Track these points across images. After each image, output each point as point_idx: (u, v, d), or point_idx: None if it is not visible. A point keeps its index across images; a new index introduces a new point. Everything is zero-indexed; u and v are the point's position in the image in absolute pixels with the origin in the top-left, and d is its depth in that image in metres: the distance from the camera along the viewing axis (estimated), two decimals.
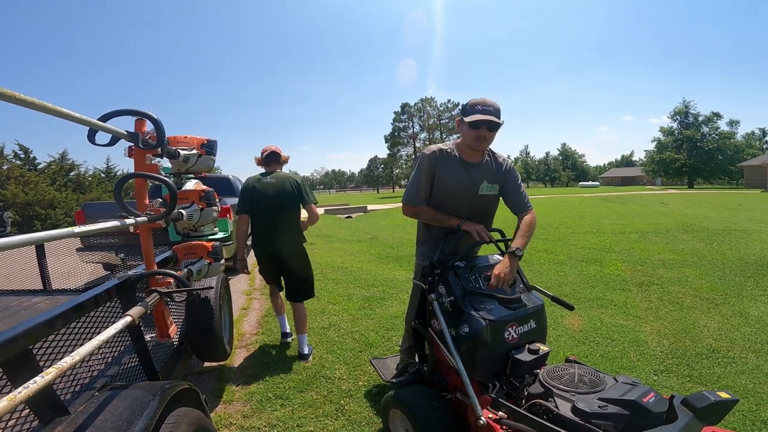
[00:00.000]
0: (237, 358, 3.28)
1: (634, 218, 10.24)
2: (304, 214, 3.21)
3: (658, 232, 7.79)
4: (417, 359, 2.12)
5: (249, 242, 3.37)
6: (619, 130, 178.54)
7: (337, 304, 4.50)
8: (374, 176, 78.95)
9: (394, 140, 50.69)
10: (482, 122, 1.91)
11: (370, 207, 20.39)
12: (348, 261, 6.99)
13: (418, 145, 49.33)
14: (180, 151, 2.04)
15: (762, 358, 2.91)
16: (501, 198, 2.16)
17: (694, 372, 2.77)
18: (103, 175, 24.93)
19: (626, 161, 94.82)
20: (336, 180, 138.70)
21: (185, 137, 2.22)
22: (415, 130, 49.91)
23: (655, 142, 50.71)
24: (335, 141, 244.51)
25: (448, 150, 2.08)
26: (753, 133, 61.31)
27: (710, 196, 21.78)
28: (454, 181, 2.04)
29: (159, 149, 1.79)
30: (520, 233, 1.95)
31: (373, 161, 79.25)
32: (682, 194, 25.00)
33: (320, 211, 19.48)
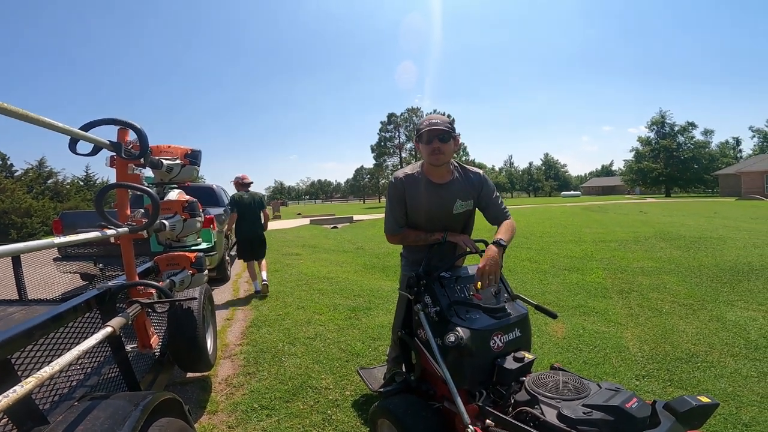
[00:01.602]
0: (221, 368, 3.24)
1: (614, 227, 10.48)
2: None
3: (637, 241, 7.99)
4: (404, 369, 2.12)
5: (233, 252, 5.78)
6: (600, 140, 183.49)
7: (323, 315, 4.48)
8: (360, 186, 78.90)
9: (380, 150, 50.94)
10: (432, 134, 1.93)
11: (356, 217, 20.37)
12: (334, 271, 6.96)
13: (404, 155, 49.69)
14: (163, 161, 2.03)
15: (740, 362, 2.98)
16: (478, 209, 2.18)
17: (675, 377, 2.83)
18: (81, 184, 24.37)
19: (606, 171, 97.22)
20: (322, 190, 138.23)
21: (169, 147, 2.20)
22: (401, 140, 50.28)
23: (634, 152, 52.17)
24: (321, 150, 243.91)
25: (415, 174, 2.08)
26: (727, 142, 63.85)
27: (687, 204, 22.46)
28: (425, 207, 2.06)
29: (142, 159, 1.77)
30: (503, 229, 1.99)
31: (360, 171, 79.33)
32: (660, 203, 25.70)
33: (306, 221, 19.39)
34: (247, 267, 5.80)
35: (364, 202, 76.65)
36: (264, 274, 5.54)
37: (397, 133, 50.51)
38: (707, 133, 49.97)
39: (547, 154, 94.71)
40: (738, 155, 60.73)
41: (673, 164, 47.13)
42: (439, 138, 1.93)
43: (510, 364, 1.69)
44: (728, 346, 3.25)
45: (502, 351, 1.74)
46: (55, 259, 4.95)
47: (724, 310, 4.08)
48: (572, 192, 74.31)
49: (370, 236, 12.06)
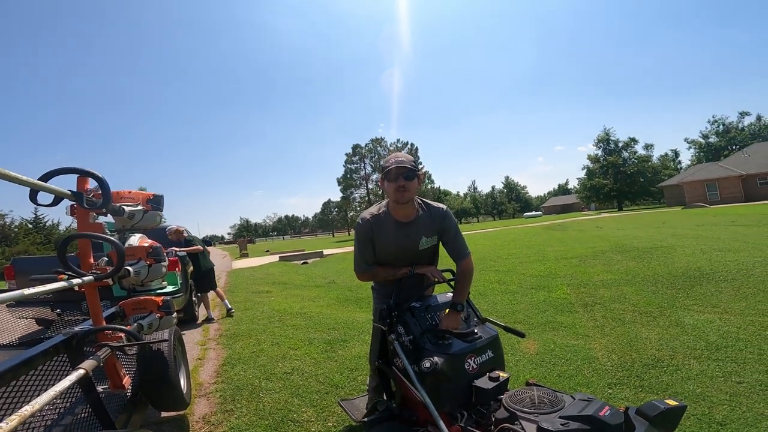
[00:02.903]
0: (197, 407, 3.16)
1: (574, 244, 10.96)
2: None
3: (595, 255, 8.39)
4: (385, 397, 2.14)
5: (199, 294, 6.65)
6: (554, 160, 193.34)
7: (298, 349, 4.40)
8: (329, 220, 78.70)
9: (346, 182, 51.20)
10: (398, 172, 1.99)
11: (326, 251, 20.16)
12: (307, 306, 6.84)
13: (370, 186, 50.15)
14: (124, 207, 2.00)
15: (704, 363, 3.13)
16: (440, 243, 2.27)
17: (644, 382, 2.95)
18: (30, 226, 22.91)
19: (563, 189, 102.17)
20: (290, 225, 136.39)
21: (129, 192, 2.18)
22: (367, 171, 50.88)
23: (585, 170, 55.25)
24: (287, 186, 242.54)
25: (381, 214, 2.16)
26: (667, 154, 69.01)
27: (638, 216, 23.87)
28: (392, 246, 2.14)
29: (104, 208, 1.75)
30: (459, 288, 2.11)
31: (327, 205, 79.26)
32: (613, 217, 27.16)
33: (276, 258, 18.99)
34: (203, 299, 6.58)
35: (333, 236, 76.14)
36: (226, 303, 6.75)
37: (363, 165, 51.12)
38: (648, 147, 53.44)
39: (507, 177, 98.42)
40: (678, 166, 65.62)
41: (621, 179, 50.08)
42: (404, 176, 2.00)
43: (486, 384, 1.75)
44: (690, 349, 3.42)
45: (478, 372, 1.82)
46: (9, 305, 4.68)
47: (682, 315, 4.32)
48: (534, 213, 77.20)
49: (341, 270, 11.95)
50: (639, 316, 4.46)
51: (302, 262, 16.25)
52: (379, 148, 50.29)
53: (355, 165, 51.52)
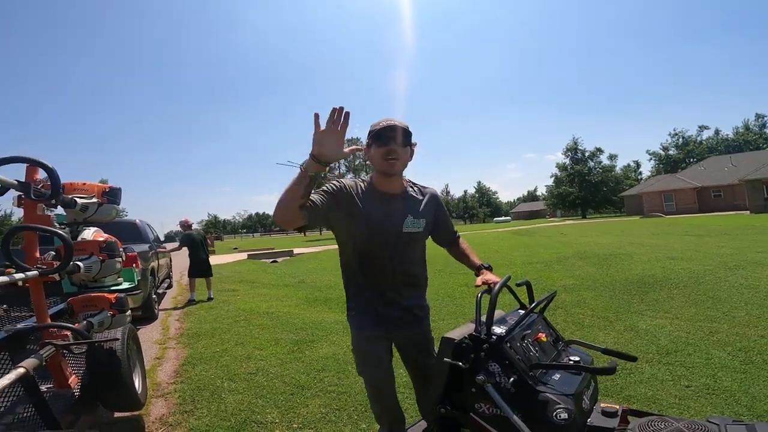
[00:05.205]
0: (154, 407, 3.04)
1: (540, 249, 11.31)
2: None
3: (559, 261, 8.69)
4: None
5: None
6: (524, 167, 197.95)
7: (264, 350, 4.30)
8: None
9: (319, 181, 50.64)
10: (388, 133, 1.61)
11: (296, 250, 19.86)
12: (274, 306, 6.70)
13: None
14: (77, 199, 1.90)
15: (655, 367, 3.27)
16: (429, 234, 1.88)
17: (600, 385, 3.05)
18: None
19: (532, 196, 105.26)
20: (260, 223, 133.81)
21: (84, 184, 2.07)
22: (341, 170, 50.69)
23: (553, 177, 57.19)
24: (257, 183, 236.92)
25: (362, 183, 1.76)
26: (629, 165, 72.50)
27: (599, 224, 24.94)
28: (367, 220, 1.66)
29: (53, 200, 1.66)
30: (470, 254, 1.97)
31: None
32: (577, 224, 28.25)
33: (244, 255, 18.55)
34: (189, 282, 7.75)
35: (305, 235, 75.14)
36: (210, 292, 7.72)
37: (337, 164, 50.88)
38: (612, 157, 55.82)
39: (479, 182, 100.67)
40: (639, 177, 68.98)
41: (586, 188, 52.19)
42: (396, 140, 1.62)
43: (604, 421, 1.42)
44: (643, 353, 3.56)
45: (588, 409, 1.45)
46: None
47: (636, 320, 4.52)
48: (503, 218, 79.05)
49: (312, 269, 11.82)
50: (597, 321, 4.64)
51: (271, 260, 15.96)
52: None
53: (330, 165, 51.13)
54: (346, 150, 1.46)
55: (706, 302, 4.93)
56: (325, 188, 1.66)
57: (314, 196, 1.59)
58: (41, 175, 1.66)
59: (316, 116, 1.37)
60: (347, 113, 1.37)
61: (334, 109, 1.36)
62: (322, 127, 1.38)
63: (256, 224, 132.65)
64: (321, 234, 61.64)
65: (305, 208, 1.51)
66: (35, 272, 1.51)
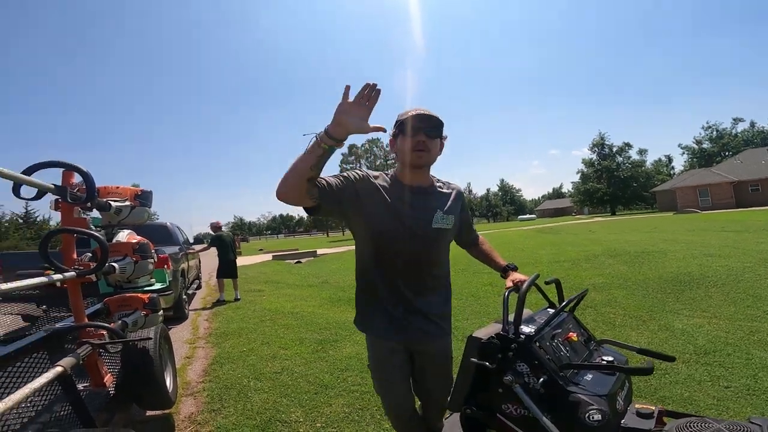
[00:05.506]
0: (183, 406, 3.13)
1: (567, 247, 11.02)
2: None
3: (587, 259, 8.43)
4: None
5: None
6: (548, 163, 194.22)
7: (288, 349, 4.38)
8: (323, 220, 78.45)
9: (342, 168, 51.05)
10: (419, 123, 1.50)
11: (320, 251, 20.11)
12: (299, 306, 6.81)
13: None
14: (111, 202, 1.98)
15: (692, 368, 3.15)
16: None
17: (634, 386, 2.96)
18: (21, 221, 22.65)
19: (557, 193, 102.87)
20: (284, 224, 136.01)
21: (117, 188, 2.16)
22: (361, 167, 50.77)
23: (579, 174, 55.61)
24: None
25: (387, 176, 1.64)
26: (660, 160, 69.75)
27: (630, 221, 24.07)
28: (398, 209, 1.54)
29: (88, 203, 1.73)
30: (494, 254, 1.91)
31: None
32: (606, 221, 27.38)
33: (269, 257, 18.91)
34: (218, 282, 8.12)
35: (327, 236, 76.04)
36: (237, 293, 7.97)
37: (358, 165, 51.15)
38: (642, 152, 53.84)
39: (503, 180, 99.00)
40: (671, 172, 66.32)
41: (614, 183, 50.44)
42: (426, 131, 1.51)
43: (639, 423, 1.36)
44: (679, 353, 3.43)
45: (622, 410, 1.41)
46: None
47: (671, 319, 4.34)
48: (528, 216, 77.59)
49: (335, 269, 11.93)
50: (629, 320, 4.48)
51: (296, 261, 16.21)
52: (375, 149, 50.40)
53: (351, 165, 51.54)
54: (369, 126, 1.32)
55: (746, 300, 4.69)
56: (346, 174, 1.53)
57: (330, 178, 1.47)
58: (77, 179, 1.74)
59: (347, 88, 1.28)
60: (378, 90, 1.28)
61: (366, 84, 1.27)
62: (351, 100, 1.29)
63: (280, 225, 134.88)
64: (344, 234, 62.09)
65: (317, 187, 1.37)
66: (73, 273, 1.57)
